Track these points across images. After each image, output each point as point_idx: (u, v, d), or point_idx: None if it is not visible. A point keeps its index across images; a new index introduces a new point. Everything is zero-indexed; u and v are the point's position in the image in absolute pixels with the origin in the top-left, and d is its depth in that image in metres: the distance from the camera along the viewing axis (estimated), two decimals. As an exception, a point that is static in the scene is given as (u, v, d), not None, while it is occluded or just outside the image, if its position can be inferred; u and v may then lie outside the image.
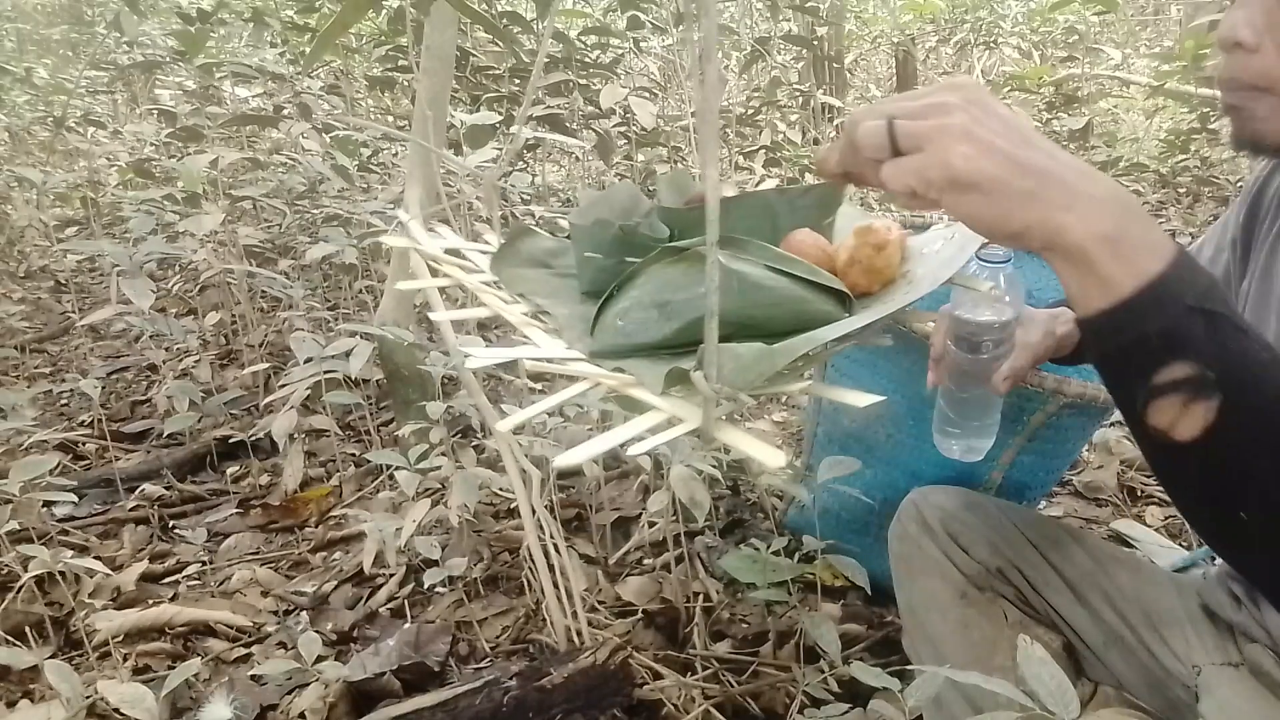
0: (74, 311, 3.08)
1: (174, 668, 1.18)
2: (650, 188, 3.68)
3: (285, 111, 3.15)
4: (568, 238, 0.94)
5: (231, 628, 1.52)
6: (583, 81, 3.10)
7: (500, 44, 3.27)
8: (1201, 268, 0.51)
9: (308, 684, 1.29)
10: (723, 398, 0.61)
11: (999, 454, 1.23)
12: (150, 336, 2.51)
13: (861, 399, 0.64)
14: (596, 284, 0.85)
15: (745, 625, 1.45)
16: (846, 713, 1.14)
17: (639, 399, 0.66)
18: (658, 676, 1.31)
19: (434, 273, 0.90)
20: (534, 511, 1.31)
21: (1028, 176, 0.49)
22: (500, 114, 2.84)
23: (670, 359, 0.72)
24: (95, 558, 1.47)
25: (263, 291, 2.91)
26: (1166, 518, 1.75)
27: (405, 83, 3.39)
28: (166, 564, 1.73)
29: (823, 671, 1.24)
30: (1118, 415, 2.16)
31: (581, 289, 0.87)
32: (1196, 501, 0.55)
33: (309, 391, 1.77)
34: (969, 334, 0.88)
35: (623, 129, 3.31)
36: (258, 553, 1.78)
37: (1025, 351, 0.92)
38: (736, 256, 0.76)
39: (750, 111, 4.25)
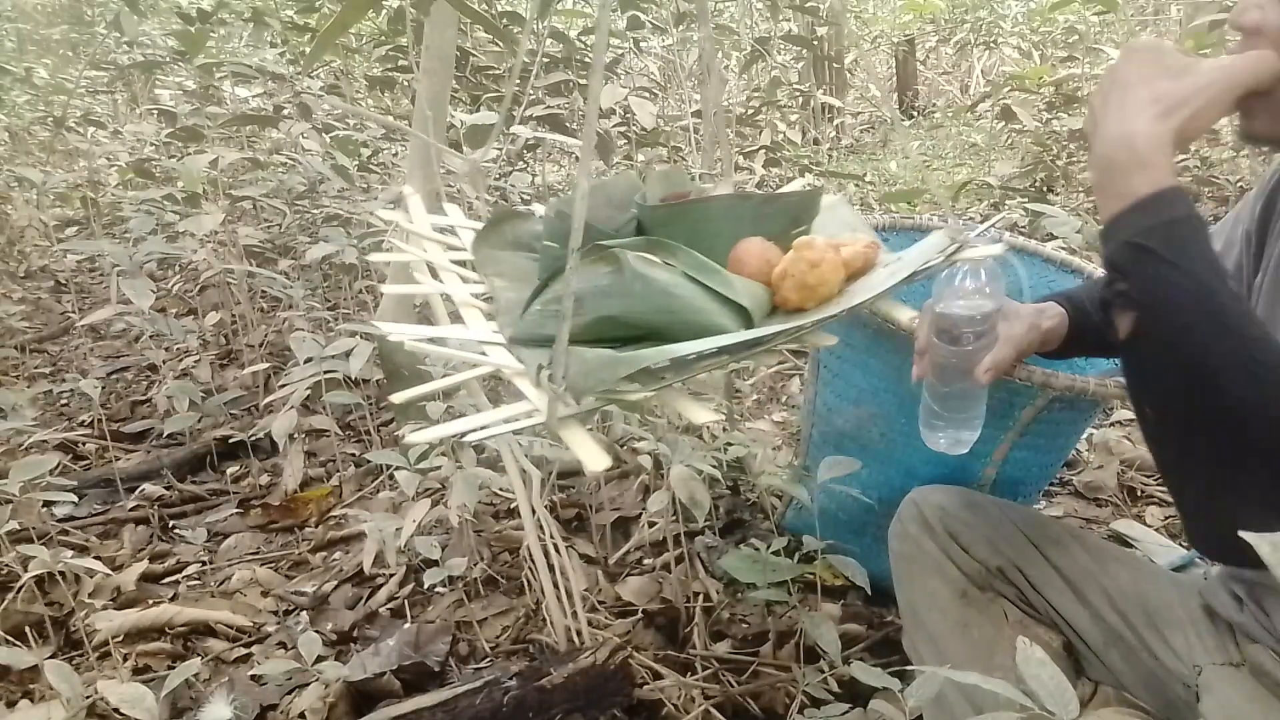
0: (74, 311, 3.08)
1: (174, 668, 1.18)
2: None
3: (285, 111, 3.15)
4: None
5: (231, 628, 1.52)
6: (583, 81, 3.10)
7: (500, 44, 3.27)
8: (1164, 210, 0.65)
9: (308, 684, 1.29)
10: (562, 399, 0.64)
11: (991, 450, 1.23)
12: (150, 336, 2.51)
13: (701, 414, 0.66)
14: (550, 272, 0.86)
15: (745, 625, 1.45)
16: (846, 713, 1.14)
17: (520, 388, 0.68)
18: (658, 676, 1.31)
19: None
20: (534, 511, 1.31)
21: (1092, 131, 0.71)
22: (500, 113, 2.84)
23: (572, 352, 0.74)
24: (95, 558, 1.47)
25: (263, 291, 2.91)
26: (1166, 518, 1.74)
27: (405, 83, 3.39)
28: (166, 564, 1.73)
29: (823, 671, 1.24)
30: (1117, 415, 2.16)
31: (539, 276, 0.88)
32: (1128, 391, 0.73)
33: (309, 391, 1.77)
34: (949, 326, 0.88)
35: (623, 129, 3.31)
36: (258, 553, 1.78)
37: (1008, 344, 0.92)
38: (653, 261, 0.76)
39: (750, 111, 4.25)
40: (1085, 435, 2.00)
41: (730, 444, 1.52)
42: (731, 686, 1.30)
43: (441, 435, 0.62)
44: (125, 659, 1.40)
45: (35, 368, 2.79)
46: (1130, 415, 2.15)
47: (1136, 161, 0.67)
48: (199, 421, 2.16)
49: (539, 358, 0.71)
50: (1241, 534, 0.48)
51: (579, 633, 1.32)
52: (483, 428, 0.64)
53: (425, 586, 1.50)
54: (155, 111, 3.71)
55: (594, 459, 0.60)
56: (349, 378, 1.79)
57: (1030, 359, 1.02)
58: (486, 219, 0.97)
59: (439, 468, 1.44)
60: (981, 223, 1.00)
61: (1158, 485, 1.86)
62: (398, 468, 1.41)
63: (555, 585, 1.31)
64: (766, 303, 0.81)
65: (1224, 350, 0.62)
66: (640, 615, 1.47)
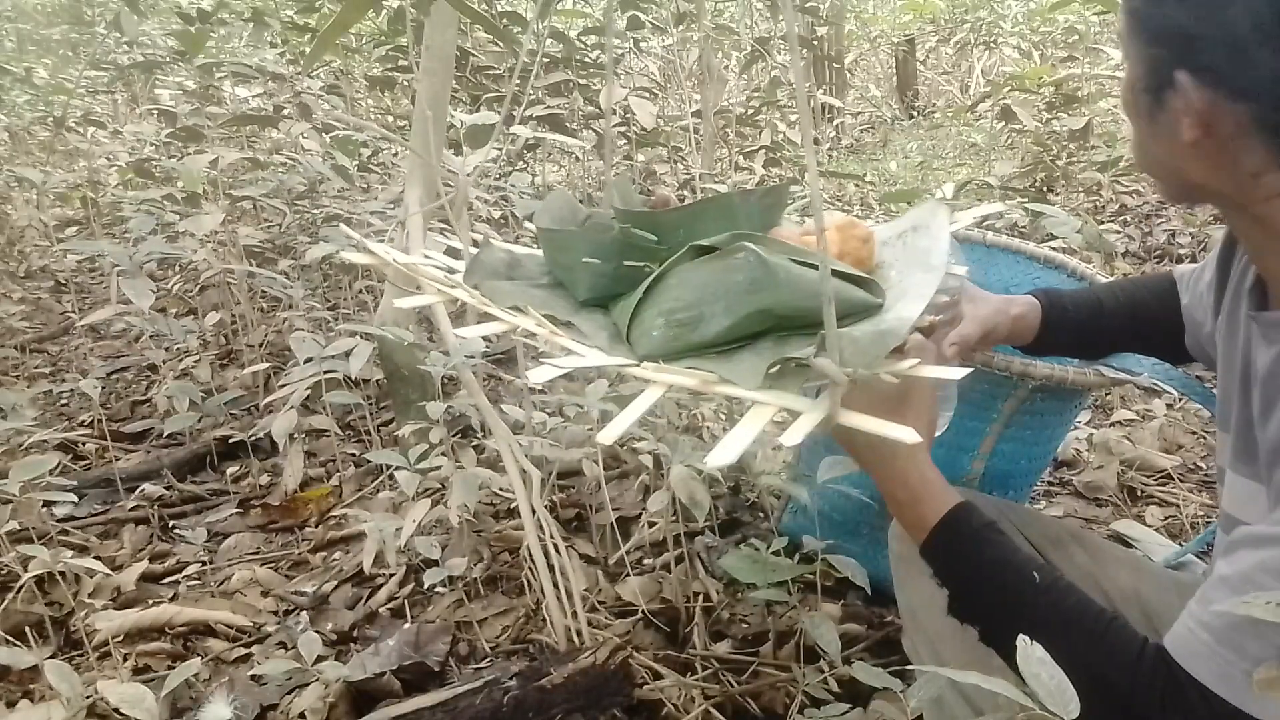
0: (74, 311, 3.08)
1: (174, 668, 1.18)
2: (649, 188, 3.67)
3: (285, 111, 3.15)
4: (533, 243, 0.95)
5: (231, 628, 1.52)
6: (583, 81, 3.11)
7: (500, 44, 3.27)
8: (959, 529, 0.78)
9: (308, 684, 1.29)
10: (853, 380, 0.63)
11: (978, 443, 1.23)
12: (150, 336, 2.51)
13: (956, 372, 0.67)
14: (597, 290, 0.85)
15: (745, 625, 1.45)
16: (846, 713, 1.14)
17: (734, 395, 0.68)
18: (658, 676, 1.31)
19: (416, 282, 0.91)
20: (534, 511, 1.31)
21: None
22: (500, 114, 2.84)
23: (730, 353, 0.75)
24: (95, 558, 1.47)
25: (263, 291, 2.91)
26: (1166, 518, 1.75)
27: (405, 83, 3.39)
28: (166, 564, 1.73)
29: (823, 671, 1.24)
30: (1117, 415, 2.16)
31: (580, 297, 0.87)
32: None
33: (309, 391, 1.77)
34: None
35: (623, 129, 3.32)
36: (258, 553, 1.78)
37: (974, 323, 0.93)
38: (771, 252, 0.77)
39: (750, 111, 4.25)
40: (1085, 435, 2.00)
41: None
42: (731, 686, 1.31)
43: (737, 450, 0.61)
44: (125, 659, 1.40)
45: (35, 368, 2.79)
46: (1130, 415, 2.15)
47: (915, 496, 0.78)
48: (199, 421, 2.15)
49: (725, 364, 0.72)
50: None
51: (579, 633, 1.32)
52: (779, 434, 0.63)
53: (425, 586, 1.50)
54: (155, 111, 3.71)
55: (903, 434, 0.61)
56: (349, 378, 1.79)
57: (1009, 351, 1.03)
58: (452, 252, 0.97)
59: (439, 468, 1.44)
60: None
61: (1158, 485, 1.87)
62: (398, 468, 1.41)
63: (555, 585, 1.31)
64: None
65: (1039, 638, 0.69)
66: (640, 615, 1.47)
